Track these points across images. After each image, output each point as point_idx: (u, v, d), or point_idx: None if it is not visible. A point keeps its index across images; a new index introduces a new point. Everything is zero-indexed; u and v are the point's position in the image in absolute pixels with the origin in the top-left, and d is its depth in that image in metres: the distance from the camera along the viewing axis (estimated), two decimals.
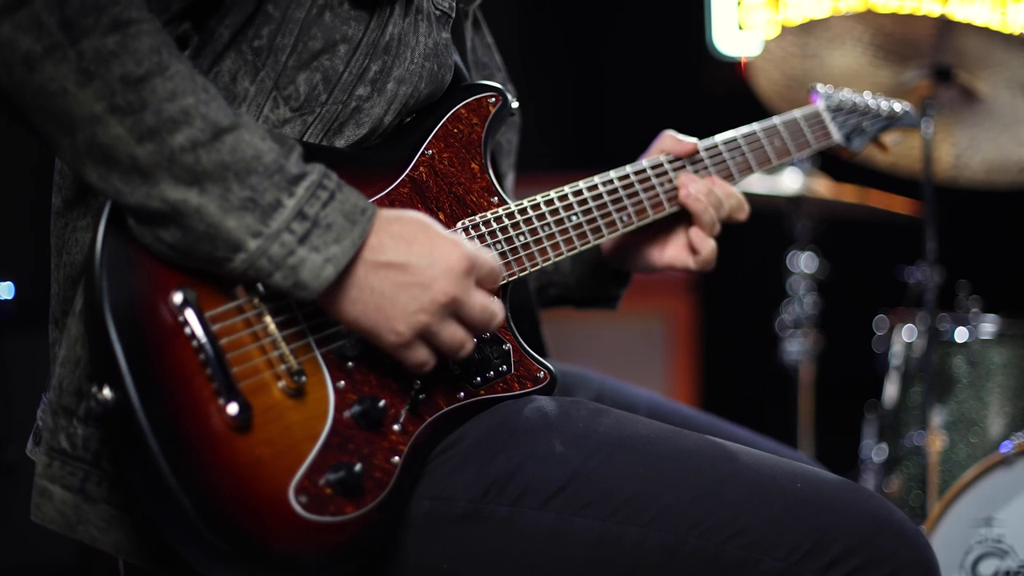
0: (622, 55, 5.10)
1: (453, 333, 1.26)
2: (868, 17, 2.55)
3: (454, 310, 1.25)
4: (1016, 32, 2.58)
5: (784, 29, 2.72)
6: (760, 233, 3.66)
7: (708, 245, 1.62)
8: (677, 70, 4.94)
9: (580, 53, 5.17)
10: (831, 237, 3.49)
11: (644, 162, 1.61)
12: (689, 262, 1.65)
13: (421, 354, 1.25)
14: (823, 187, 3.20)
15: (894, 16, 2.56)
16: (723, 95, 4.33)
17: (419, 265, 1.23)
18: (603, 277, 1.77)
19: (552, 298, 1.85)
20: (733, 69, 4.68)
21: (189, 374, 1.17)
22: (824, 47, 2.64)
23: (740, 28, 4.84)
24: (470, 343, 1.28)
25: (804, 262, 3.34)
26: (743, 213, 1.65)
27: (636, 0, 5.10)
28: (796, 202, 3.21)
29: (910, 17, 2.56)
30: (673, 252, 1.66)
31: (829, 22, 2.61)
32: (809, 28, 2.63)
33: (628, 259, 1.72)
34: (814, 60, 2.67)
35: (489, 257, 1.29)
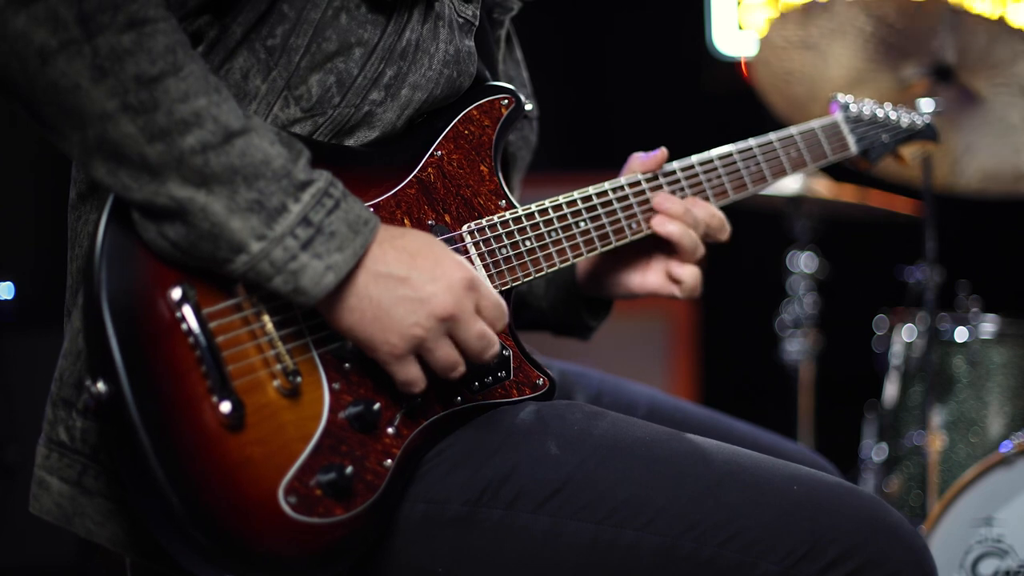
0: (622, 55, 5.10)
1: (448, 353, 1.25)
2: (871, 3, 2.52)
3: (450, 328, 1.24)
4: (1018, 26, 2.57)
5: (784, 14, 2.67)
6: (760, 233, 3.66)
7: (690, 272, 1.57)
8: (677, 70, 4.93)
9: (580, 53, 5.16)
10: (831, 237, 3.48)
11: (673, 165, 1.59)
12: (674, 291, 1.59)
13: (412, 371, 1.24)
14: (823, 187, 3.20)
15: (898, 2, 2.53)
16: (723, 95, 4.33)
17: (420, 279, 1.22)
18: (575, 305, 1.73)
19: (527, 321, 1.80)
20: (733, 69, 4.67)
21: (184, 370, 1.17)
22: (825, 37, 2.62)
23: (740, 28, 4.83)
24: (463, 366, 1.26)
25: (804, 262, 3.33)
26: (724, 234, 1.59)
27: (636, 0, 5.09)
28: (796, 202, 3.20)
29: (915, 5, 2.53)
30: (655, 279, 1.61)
31: (832, 9, 2.57)
32: (811, 13, 2.59)
33: (605, 285, 1.67)
34: (814, 52, 2.65)
35: (493, 290, 1.28)
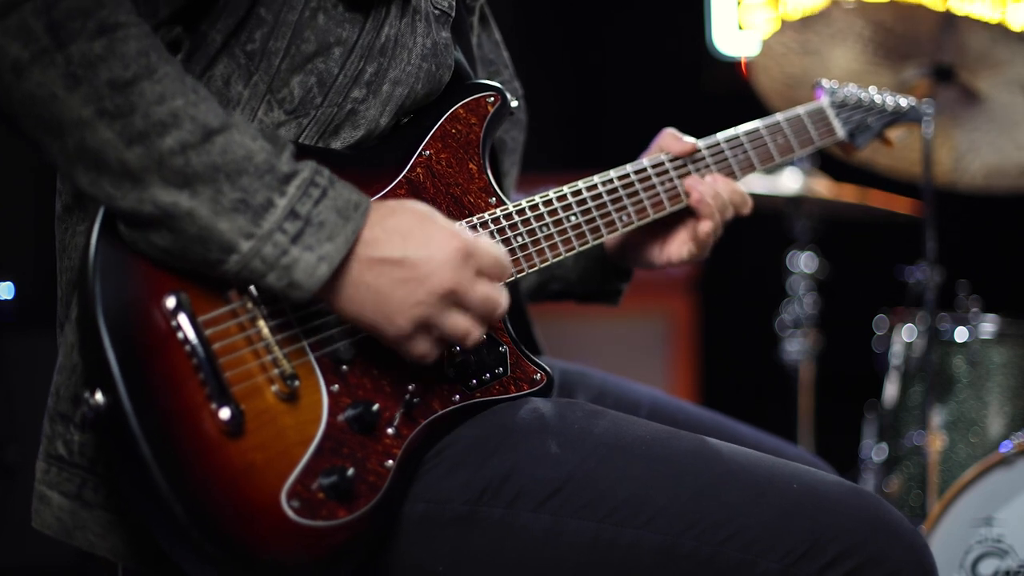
0: (622, 55, 5.10)
1: (456, 322, 1.24)
2: (869, 10, 2.54)
3: (455, 300, 1.24)
4: (1017, 30, 2.58)
5: (784, 24, 2.71)
6: (760, 233, 3.66)
7: (709, 242, 1.64)
8: (677, 70, 4.93)
9: (580, 53, 5.16)
10: (831, 237, 3.48)
11: (645, 161, 1.60)
12: (684, 254, 1.65)
13: (422, 346, 1.24)
14: (823, 187, 3.19)
15: (895, 8, 2.55)
16: (723, 95, 4.33)
17: (415, 259, 1.22)
18: (607, 273, 1.77)
19: (554, 293, 1.85)
20: (733, 69, 4.67)
21: (181, 379, 1.17)
22: (825, 43, 2.63)
23: (740, 28, 4.84)
24: (476, 331, 1.26)
25: (804, 262, 3.33)
26: (747, 208, 1.65)
27: (636, 0, 5.09)
28: (796, 202, 3.20)
29: (911, 11, 2.55)
30: (673, 247, 1.66)
31: (830, 16, 2.59)
32: (809, 23, 2.62)
33: (631, 256, 1.71)
34: (815, 57, 2.66)
35: (490, 245, 1.27)
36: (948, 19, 2.49)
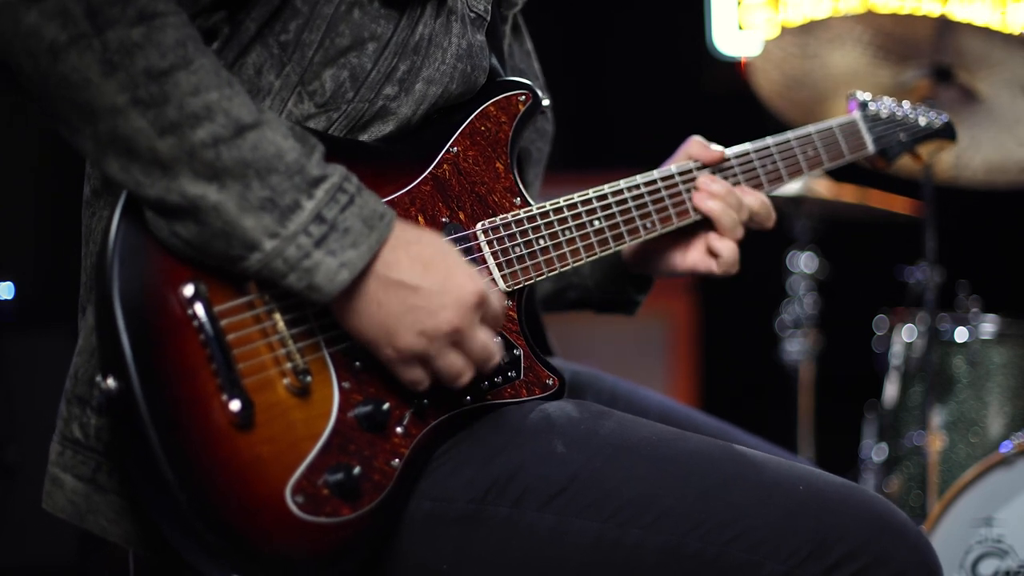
0: (622, 55, 5.10)
1: (452, 362, 1.25)
2: (868, 17, 2.55)
3: (456, 340, 1.24)
4: (1016, 32, 2.59)
5: (784, 30, 2.73)
6: (760, 233, 3.66)
7: (727, 246, 1.59)
8: (677, 70, 4.93)
9: (580, 53, 5.16)
10: (831, 237, 3.48)
11: (673, 168, 1.58)
12: (712, 266, 1.61)
13: (416, 373, 1.25)
14: (823, 187, 3.20)
15: (894, 16, 2.57)
16: (723, 95, 4.33)
17: (430, 290, 1.22)
18: (623, 282, 1.75)
19: (571, 301, 1.83)
20: (733, 69, 4.67)
21: (194, 367, 1.17)
22: (824, 47, 2.64)
23: (740, 28, 4.84)
24: (468, 374, 1.26)
25: (804, 262, 3.33)
26: (770, 221, 1.61)
27: (636, 0, 5.10)
28: (796, 202, 3.20)
29: (910, 17, 2.57)
30: (695, 256, 1.62)
31: (829, 22, 2.61)
32: (809, 28, 2.63)
33: (650, 264, 1.69)
34: (814, 60, 2.67)
35: (498, 299, 1.29)
36: (944, 24, 2.50)
